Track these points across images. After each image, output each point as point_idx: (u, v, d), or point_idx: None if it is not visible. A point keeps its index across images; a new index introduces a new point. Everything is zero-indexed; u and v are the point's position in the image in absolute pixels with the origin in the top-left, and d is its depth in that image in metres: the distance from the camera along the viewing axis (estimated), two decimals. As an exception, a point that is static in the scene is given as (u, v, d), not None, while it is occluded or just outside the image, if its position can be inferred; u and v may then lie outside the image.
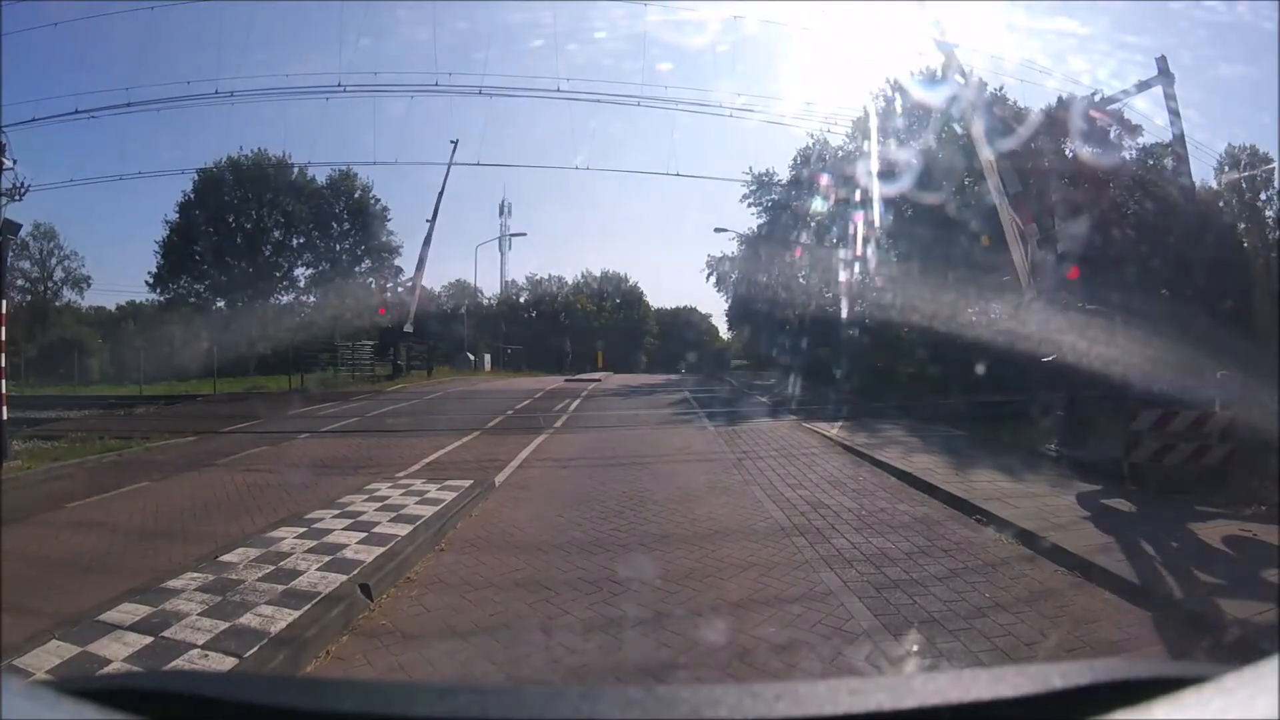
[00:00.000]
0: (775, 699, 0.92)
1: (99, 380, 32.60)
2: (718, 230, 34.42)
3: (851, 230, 24.39)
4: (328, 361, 27.24)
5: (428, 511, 6.09)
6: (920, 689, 0.98)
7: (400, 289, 28.55)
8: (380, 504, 6.44)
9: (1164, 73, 15.61)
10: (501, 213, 51.62)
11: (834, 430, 11.50)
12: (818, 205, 29.40)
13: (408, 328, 26.73)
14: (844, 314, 24.33)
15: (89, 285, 47.50)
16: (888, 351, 22.44)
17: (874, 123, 24.27)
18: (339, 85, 21.00)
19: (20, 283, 46.13)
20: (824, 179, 28.69)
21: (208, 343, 29.40)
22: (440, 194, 28.18)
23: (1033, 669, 1.01)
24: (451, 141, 27.51)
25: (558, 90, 20.55)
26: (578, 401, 17.58)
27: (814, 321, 26.89)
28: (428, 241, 27.95)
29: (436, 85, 24.81)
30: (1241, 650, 3.44)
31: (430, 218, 27.83)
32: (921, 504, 6.86)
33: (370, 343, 27.43)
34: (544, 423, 13.12)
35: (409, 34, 47.02)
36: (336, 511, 6.20)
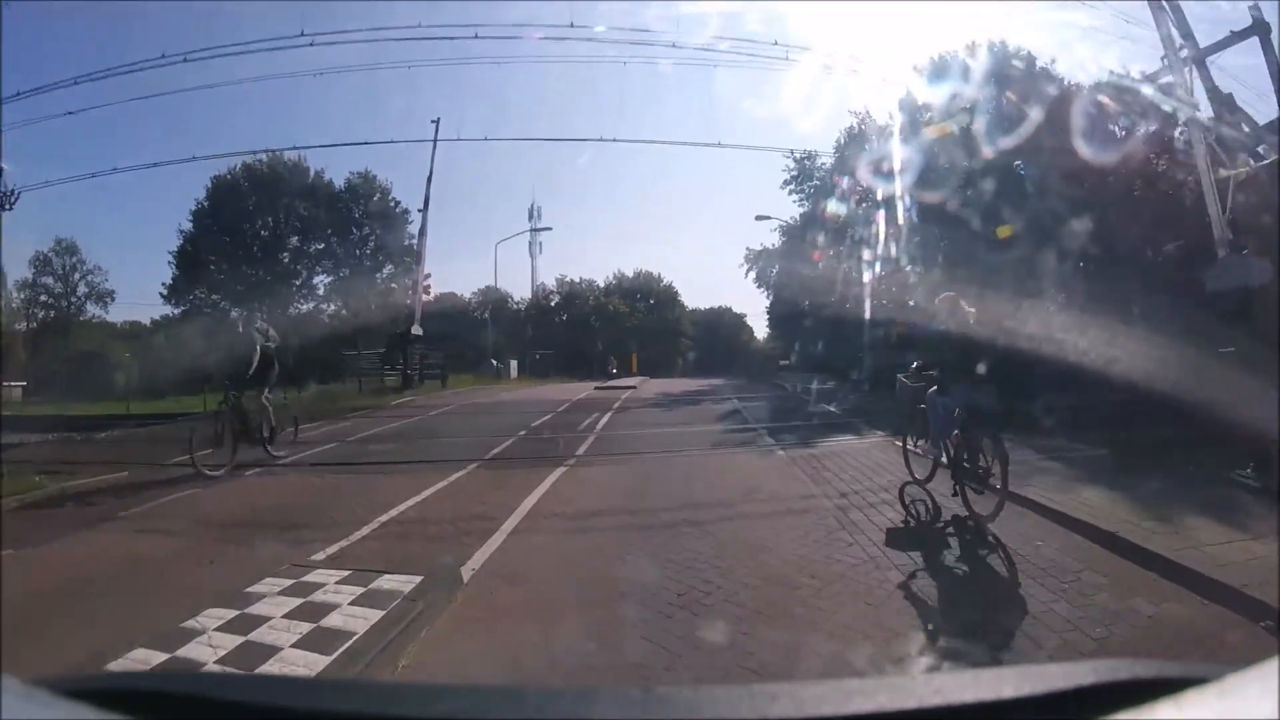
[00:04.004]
0: (775, 699, 0.92)
1: (123, 395, 31.08)
2: (759, 218, 31.01)
3: (922, 213, 21.22)
4: (333, 373, 24.84)
5: (304, 662, 3.21)
6: (922, 689, 0.97)
7: (424, 294, 26.01)
8: (239, 636, 3.58)
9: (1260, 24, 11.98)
10: (531, 216, 49.30)
11: (948, 454, 8.38)
12: (880, 180, 26.01)
13: (415, 330, 23.96)
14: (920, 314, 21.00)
15: (113, 300, 46.25)
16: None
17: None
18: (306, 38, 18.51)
19: (43, 298, 45.57)
20: (892, 145, 25.14)
21: (209, 356, 27.59)
22: (429, 178, 25.80)
23: (1035, 669, 1.08)
24: (433, 121, 25.23)
25: (570, 25, 17.57)
26: (608, 416, 14.63)
27: (876, 320, 23.62)
28: (423, 232, 25.51)
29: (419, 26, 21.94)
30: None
31: (422, 206, 25.46)
32: (1164, 595, 3.96)
33: (377, 350, 24.75)
34: (563, 448, 10.23)
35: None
36: (163, 656, 3.36)
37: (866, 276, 25.28)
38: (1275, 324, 8.23)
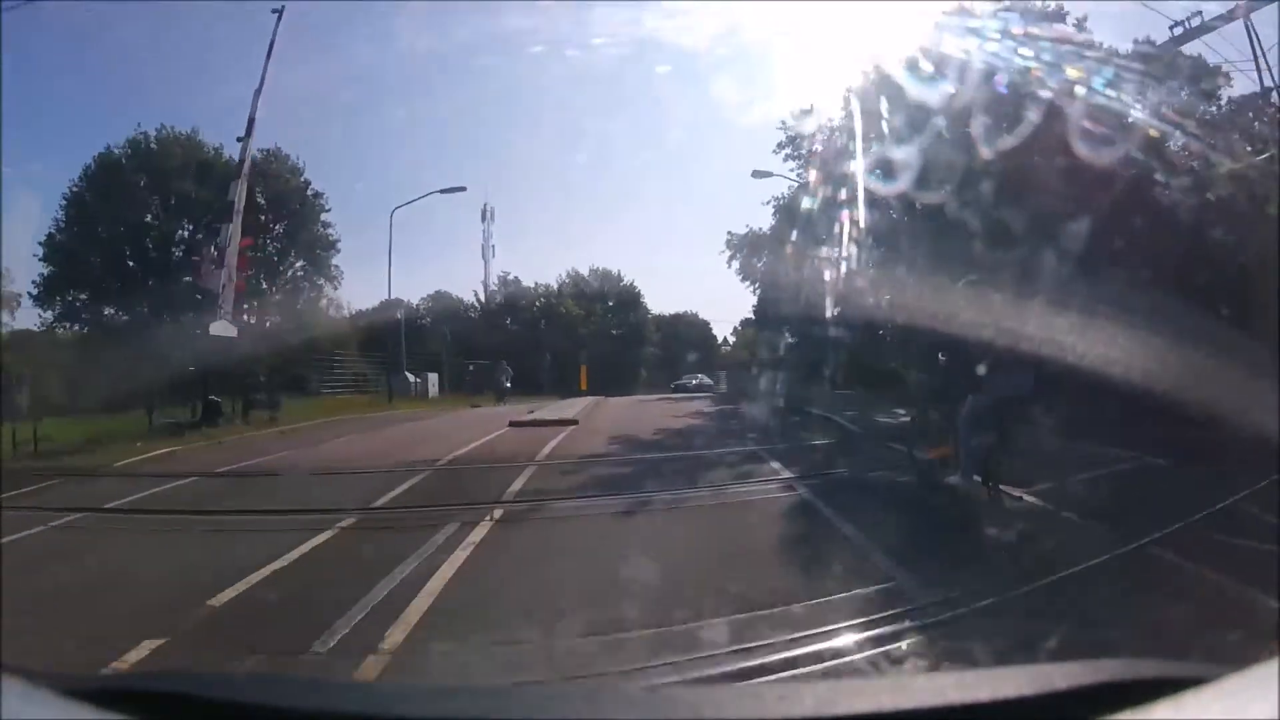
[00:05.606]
0: (776, 699, 0.92)
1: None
2: (756, 175, 23.10)
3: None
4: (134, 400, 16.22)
5: None
6: (922, 689, 0.97)
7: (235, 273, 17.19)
8: None
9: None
10: (484, 218, 42.33)
11: None
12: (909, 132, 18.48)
13: (219, 329, 14.93)
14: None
15: (19, 305, 36.54)
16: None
17: None
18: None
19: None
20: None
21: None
22: (258, 90, 17.94)
23: (1035, 670, 1.03)
24: (274, 10, 17.58)
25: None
26: (478, 535, 6.37)
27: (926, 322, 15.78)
28: (241, 174, 17.10)
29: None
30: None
31: (243, 134, 17.40)
32: None
33: (189, 367, 15.82)
34: None
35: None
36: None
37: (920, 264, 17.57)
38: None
